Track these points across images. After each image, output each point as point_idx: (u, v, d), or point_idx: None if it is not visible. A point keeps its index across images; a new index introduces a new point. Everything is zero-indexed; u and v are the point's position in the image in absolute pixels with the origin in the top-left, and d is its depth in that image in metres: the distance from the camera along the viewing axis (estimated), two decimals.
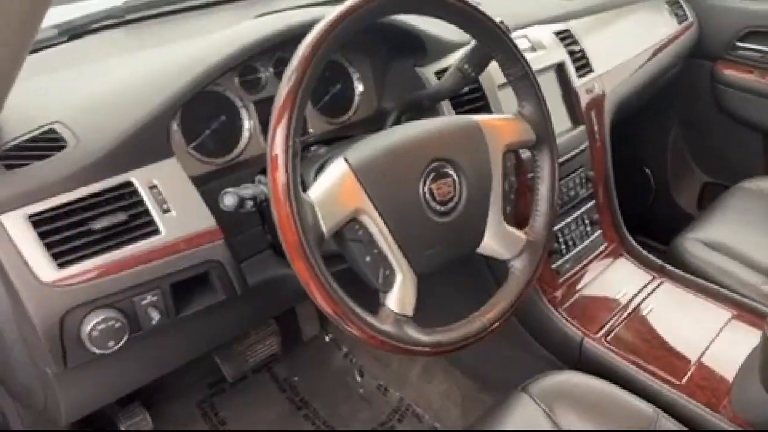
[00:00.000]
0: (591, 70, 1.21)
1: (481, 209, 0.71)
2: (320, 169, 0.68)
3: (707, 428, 0.84)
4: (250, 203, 0.67)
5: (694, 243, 1.23)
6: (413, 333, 0.64)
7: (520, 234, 0.75)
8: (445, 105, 0.94)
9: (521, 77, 0.75)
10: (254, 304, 0.85)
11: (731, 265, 1.16)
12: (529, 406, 0.85)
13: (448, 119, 0.73)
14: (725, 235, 1.24)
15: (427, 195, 0.66)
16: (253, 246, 0.83)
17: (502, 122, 0.76)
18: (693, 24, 1.59)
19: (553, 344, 1.04)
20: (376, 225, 0.62)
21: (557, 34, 1.19)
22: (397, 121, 0.93)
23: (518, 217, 0.99)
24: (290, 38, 0.77)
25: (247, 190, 0.67)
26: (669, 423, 0.82)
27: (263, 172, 0.81)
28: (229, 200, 0.66)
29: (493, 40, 0.73)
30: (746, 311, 1.03)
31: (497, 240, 0.73)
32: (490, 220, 0.72)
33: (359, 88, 0.97)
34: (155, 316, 0.68)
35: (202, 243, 0.70)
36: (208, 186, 0.76)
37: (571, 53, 1.18)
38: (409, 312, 0.64)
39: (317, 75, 0.59)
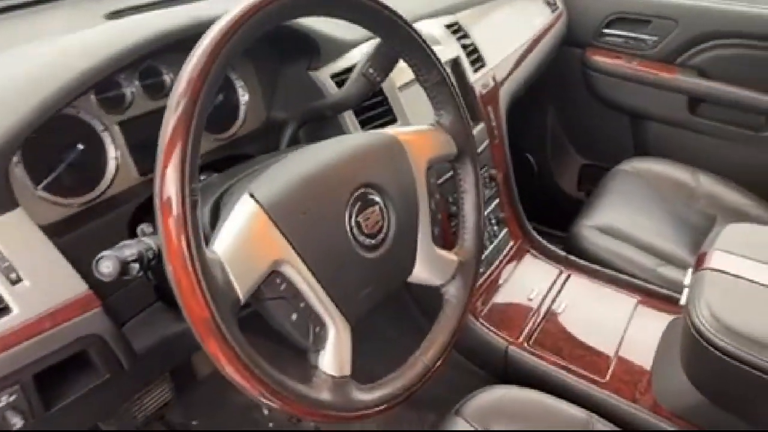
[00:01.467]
0: (484, 64, 1.18)
1: (411, 236, 0.63)
2: (216, 206, 0.56)
3: (638, 425, 0.85)
4: (135, 267, 0.52)
5: (589, 230, 1.26)
6: (357, 395, 0.54)
7: (451, 256, 0.68)
8: (348, 115, 0.84)
9: (438, 83, 0.68)
10: (146, 369, 0.70)
11: (627, 250, 1.20)
12: (465, 429, 0.80)
13: (363, 137, 0.64)
14: (616, 219, 1.28)
15: (355, 229, 0.57)
16: (138, 301, 0.68)
17: (421, 135, 0.68)
18: (563, 13, 1.64)
19: (477, 356, 1.00)
20: (301, 275, 0.52)
21: (448, 27, 1.13)
22: (295, 135, 0.82)
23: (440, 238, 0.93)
24: (164, 46, 0.63)
25: (129, 250, 0.53)
26: (602, 425, 0.81)
27: (144, 210, 0.66)
28: (106, 267, 0.51)
29: (408, 44, 0.64)
30: (649, 296, 1.07)
31: (428, 266, 0.66)
32: (420, 245, 0.64)
33: (244, 97, 0.84)
34: (16, 421, 0.52)
35: (71, 316, 0.54)
36: (70, 236, 0.60)
37: (464, 47, 1.14)
38: (348, 371, 0.55)
39: (213, 97, 0.47)
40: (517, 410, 0.83)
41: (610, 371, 0.92)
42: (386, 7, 0.60)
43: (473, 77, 1.13)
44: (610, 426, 0.82)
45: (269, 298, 0.50)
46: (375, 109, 0.89)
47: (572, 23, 1.66)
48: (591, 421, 0.82)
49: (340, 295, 0.54)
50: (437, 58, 0.66)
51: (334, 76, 0.85)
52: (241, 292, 0.47)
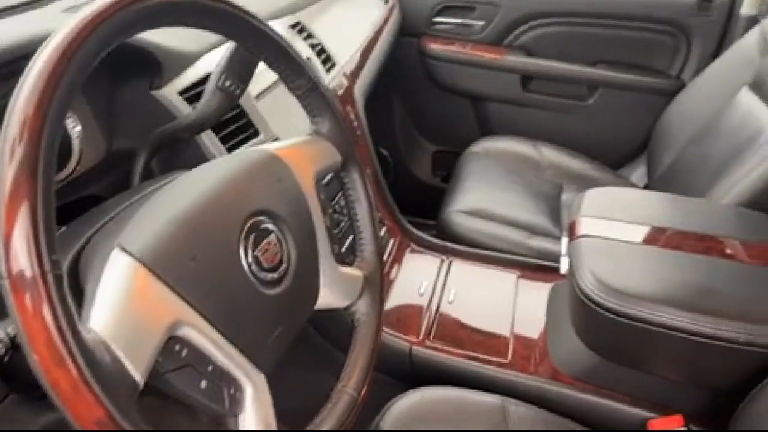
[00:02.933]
0: (334, 63, 1.14)
1: (313, 260, 0.57)
2: (75, 270, 0.45)
3: (546, 396, 0.88)
4: None
5: (457, 215, 1.29)
6: None
7: (354, 272, 0.64)
8: (206, 136, 0.75)
9: (310, 90, 0.62)
10: None
11: (495, 228, 1.25)
12: None
13: (238, 160, 0.56)
14: (478, 200, 1.33)
15: (253, 266, 0.49)
16: None
17: (302, 148, 0.62)
18: (395, 4, 1.65)
19: (382, 363, 0.96)
20: (203, 334, 0.43)
21: (292, 28, 1.08)
22: (148, 166, 0.71)
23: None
24: None
25: None
26: (517, 407, 0.83)
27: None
28: None
29: (272, 50, 0.58)
30: (526, 269, 1.12)
31: (334, 289, 0.60)
32: (322, 268, 0.59)
33: (76, 128, 0.71)
34: None
35: None
36: None
37: (312, 47, 1.09)
38: (274, 425, 0.48)
39: (59, 134, 0.37)
40: (433, 412, 0.81)
41: (510, 350, 0.94)
42: (246, 12, 0.53)
43: (327, 78, 1.08)
44: (526, 405, 0.84)
45: (171, 370, 0.42)
46: (233, 123, 0.81)
47: (405, 14, 1.69)
48: (504, 405, 0.83)
49: (250, 346, 0.47)
50: (306, 64, 0.61)
51: (182, 93, 0.75)
52: (138, 373, 0.38)
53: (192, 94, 0.76)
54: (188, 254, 0.45)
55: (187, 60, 0.78)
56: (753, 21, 1.34)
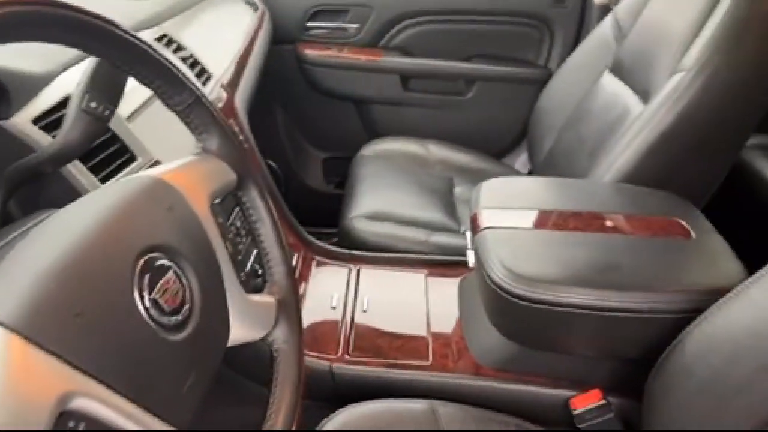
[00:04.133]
0: (210, 75, 1.06)
1: (219, 293, 0.52)
2: None
3: (471, 393, 0.88)
4: None
5: (358, 221, 1.26)
6: None
7: (267, 299, 0.59)
8: (73, 167, 0.66)
9: (193, 105, 0.56)
10: None
11: (397, 229, 1.24)
12: None
13: (119, 190, 0.49)
14: (376, 203, 1.31)
15: (152, 310, 0.43)
16: None
17: (191, 169, 0.55)
18: (265, 11, 1.60)
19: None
20: (102, 401, 0.37)
21: (159, 41, 0.99)
22: (5, 208, 0.61)
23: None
24: None
25: None
26: (446, 408, 0.82)
27: None
28: None
29: (147, 65, 0.51)
30: (433, 266, 1.12)
31: (246, 320, 0.55)
32: (231, 301, 0.53)
33: None
34: None
35: None
36: None
37: (183, 60, 1.01)
38: None
39: None
40: (367, 428, 0.78)
41: (430, 351, 0.93)
42: (109, 21, 0.46)
43: (204, 91, 1.00)
44: (451, 404, 0.83)
45: None
46: (104, 150, 0.72)
47: (277, 20, 1.63)
48: (433, 408, 0.82)
49: (161, 402, 0.41)
50: (186, 76, 0.55)
51: (37, 121, 0.66)
52: None
53: (49, 121, 0.66)
54: (72, 310, 0.37)
55: (38, 82, 0.68)
56: (606, 9, 1.45)
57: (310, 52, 1.67)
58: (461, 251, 0.94)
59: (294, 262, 1.08)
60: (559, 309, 0.76)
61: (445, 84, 1.68)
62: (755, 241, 0.99)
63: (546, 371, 0.87)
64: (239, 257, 0.75)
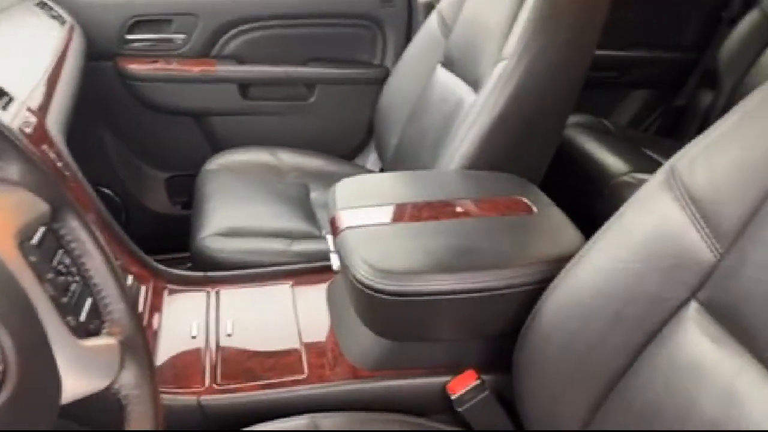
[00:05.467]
0: (11, 98, 0.92)
1: (40, 345, 0.43)
2: None
3: (352, 399, 0.85)
4: None
5: (212, 240, 1.19)
6: None
7: (106, 341, 0.51)
8: None
9: None
10: None
11: (255, 243, 1.18)
12: None
13: None
14: (230, 219, 1.24)
15: None
16: None
17: None
18: (74, 25, 1.44)
19: (169, 426, 0.82)
20: None
21: None
22: None
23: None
24: None
25: None
26: (326, 419, 0.79)
27: None
28: None
29: None
30: (297, 275, 1.08)
31: (82, 370, 0.47)
32: (58, 351, 0.45)
33: None
34: None
35: None
36: None
37: None
38: None
39: None
40: None
41: (305, 364, 0.89)
42: None
43: (5, 116, 0.87)
44: (331, 415, 0.80)
45: None
46: None
47: (91, 34, 1.48)
48: (314, 422, 0.78)
49: None
50: None
51: None
52: None
53: None
54: None
55: None
56: (430, 6, 1.51)
57: (134, 67, 1.54)
58: (325, 256, 0.92)
59: (142, 294, 0.98)
60: (425, 298, 0.77)
61: (285, 90, 1.64)
62: (586, 209, 1.09)
63: (422, 362, 0.87)
64: (67, 299, 0.66)
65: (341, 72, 1.64)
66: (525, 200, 0.93)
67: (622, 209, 0.69)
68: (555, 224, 0.89)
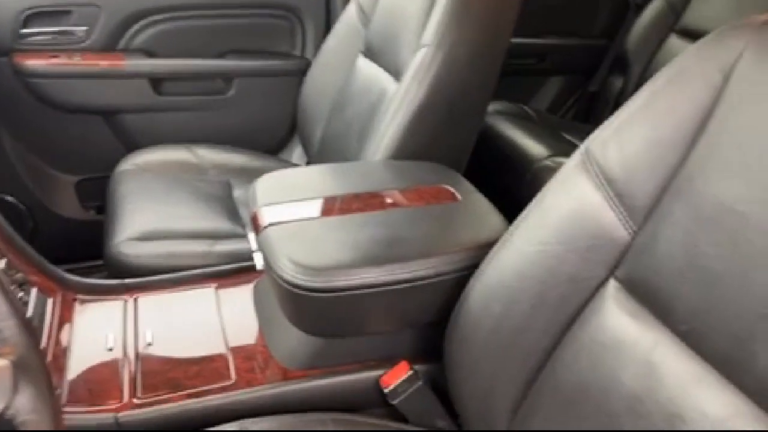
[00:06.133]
0: None
1: None
2: None
3: (283, 401, 0.83)
4: None
5: (127, 245, 1.12)
6: None
7: None
8: None
9: None
10: None
11: (175, 245, 1.13)
12: None
13: None
14: (147, 222, 1.18)
15: None
16: None
17: None
18: None
19: None
20: None
21: None
22: None
23: None
24: None
25: None
26: (256, 424, 0.76)
27: None
28: None
29: None
30: (222, 277, 1.04)
31: None
32: None
33: None
34: None
35: None
36: None
37: None
38: None
39: None
40: None
41: (232, 369, 0.85)
42: None
43: None
44: (260, 419, 0.77)
45: None
46: None
47: None
48: (244, 429, 0.75)
49: None
50: None
51: None
52: None
53: None
54: None
55: None
56: None
57: (33, 63, 1.43)
58: (250, 256, 0.88)
59: (48, 307, 0.91)
60: (353, 292, 0.75)
61: (202, 84, 1.57)
62: (510, 194, 1.11)
63: (354, 357, 0.86)
64: None
65: (260, 64, 1.59)
66: (449, 188, 0.93)
67: (541, 193, 0.70)
68: (479, 211, 0.89)
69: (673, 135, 0.57)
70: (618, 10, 1.85)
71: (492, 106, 1.69)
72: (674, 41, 1.67)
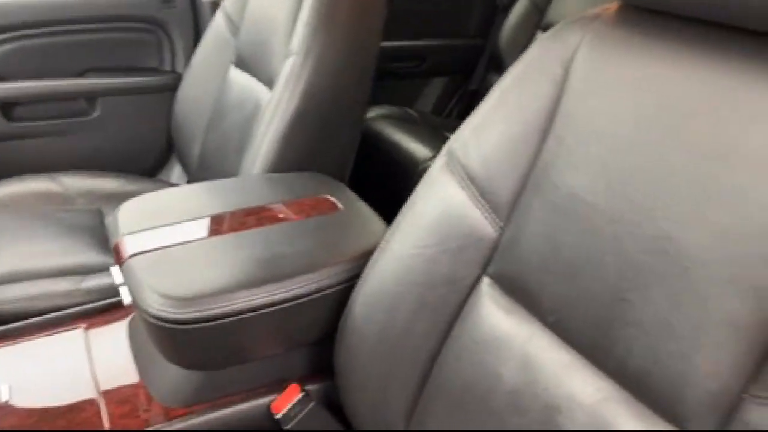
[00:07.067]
0: None
1: None
2: None
3: None
4: None
5: None
6: None
7: None
8: None
9: None
10: None
11: (38, 286, 1.02)
12: None
13: None
14: (4, 264, 1.06)
15: None
16: None
17: None
18: None
19: None
20: None
21: None
22: None
23: None
24: None
25: None
26: None
27: None
28: None
29: None
30: (92, 316, 0.95)
31: None
32: None
33: None
34: None
35: None
36: None
37: None
38: None
39: None
40: None
41: (105, 417, 0.78)
42: None
43: None
44: None
45: None
46: None
47: None
48: None
49: None
50: None
51: None
52: None
53: None
54: None
55: None
56: (215, 5, 1.42)
57: None
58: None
59: None
60: (231, 319, 0.71)
61: (61, 106, 1.44)
62: (399, 198, 1.11)
63: (242, 386, 0.81)
64: None
65: (126, 81, 1.48)
66: (330, 198, 0.91)
67: (412, 196, 0.70)
68: (360, 219, 0.88)
69: (525, 130, 0.58)
70: (487, 10, 1.92)
71: (376, 111, 1.69)
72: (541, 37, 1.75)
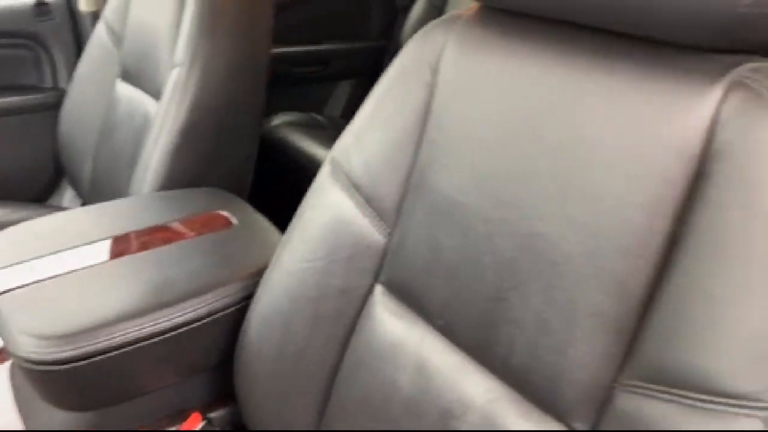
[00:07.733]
0: None
1: None
2: None
3: None
4: None
5: None
6: None
7: None
8: None
9: None
10: None
11: None
12: None
13: None
14: None
15: None
16: None
17: None
18: None
19: None
20: None
21: None
22: None
23: None
24: None
25: None
26: None
27: None
28: None
29: None
30: None
31: None
32: None
33: None
34: None
35: None
36: None
37: None
38: None
39: None
40: None
41: None
42: None
43: None
44: None
45: None
46: None
47: None
48: None
49: None
50: None
51: None
52: None
53: None
54: None
55: None
56: (96, 16, 1.34)
57: None
58: None
59: None
60: (114, 353, 0.65)
61: None
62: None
63: (140, 420, 0.76)
64: None
65: (3, 102, 1.37)
66: (224, 213, 0.87)
67: (300, 208, 0.68)
68: (256, 233, 0.84)
69: (403, 134, 0.57)
70: (387, 12, 1.92)
71: (282, 118, 1.65)
72: None
